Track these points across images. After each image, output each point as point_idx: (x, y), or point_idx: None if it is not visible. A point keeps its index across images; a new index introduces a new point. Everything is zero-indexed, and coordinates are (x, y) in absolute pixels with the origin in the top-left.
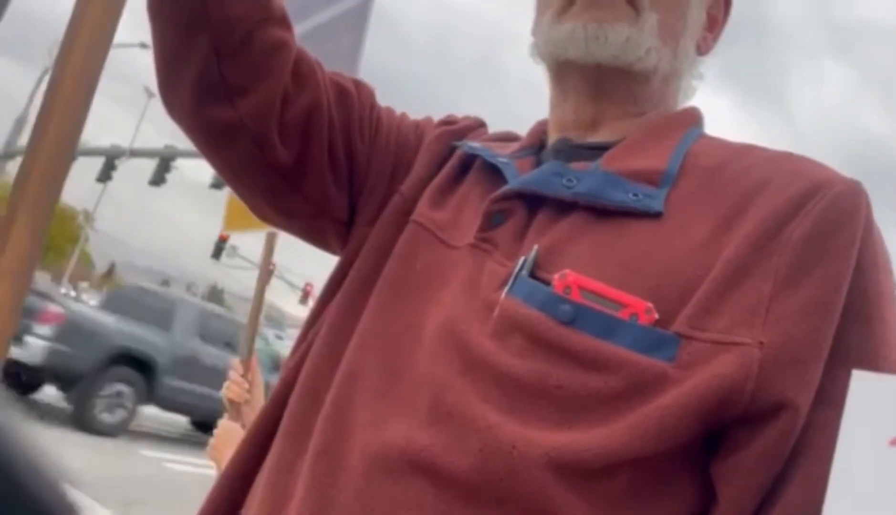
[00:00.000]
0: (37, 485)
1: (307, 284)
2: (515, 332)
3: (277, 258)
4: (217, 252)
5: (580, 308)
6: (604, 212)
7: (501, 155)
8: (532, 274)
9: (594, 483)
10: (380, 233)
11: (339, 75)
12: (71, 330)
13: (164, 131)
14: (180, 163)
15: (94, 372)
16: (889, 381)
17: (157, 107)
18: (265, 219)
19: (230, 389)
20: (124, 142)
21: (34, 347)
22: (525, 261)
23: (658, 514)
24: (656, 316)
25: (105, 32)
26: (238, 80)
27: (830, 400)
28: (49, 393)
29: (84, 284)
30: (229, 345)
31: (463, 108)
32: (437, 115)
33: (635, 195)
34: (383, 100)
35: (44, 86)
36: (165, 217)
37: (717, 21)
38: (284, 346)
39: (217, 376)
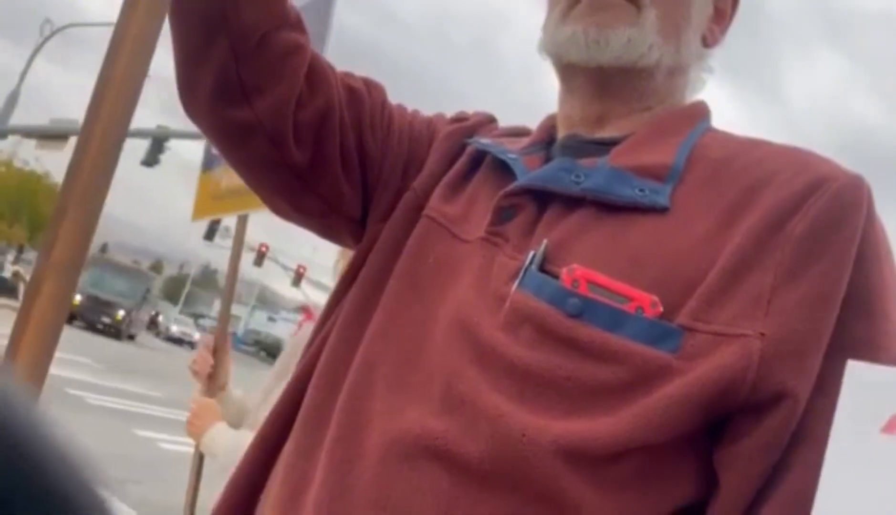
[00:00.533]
0: (70, 484)
1: (300, 266)
2: (525, 324)
3: (271, 241)
4: (210, 233)
5: (588, 301)
6: (611, 207)
7: (511, 151)
8: (541, 268)
9: (602, 469)
10: (392, 228)
11: (351, 76)
12: None
13: (157, 111)
14: (173, 143)
15: None
16: (882, 371)
17: (150, 87)
18: (282, 215)
19: (196, 362)
20: None
21: None
22: (535, 255)
23: (663, 498)
24: (661, 309)
25: (151, 35)
26: (255, 82)
27: (830, 389)
28: None
29: None
30: None
31: (458, 90)
32: (435, 100)
33: (642, 190)
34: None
35: (36, 65)
36: (159, 197)
37: (725, 13)
38: (276, 328)
39: None
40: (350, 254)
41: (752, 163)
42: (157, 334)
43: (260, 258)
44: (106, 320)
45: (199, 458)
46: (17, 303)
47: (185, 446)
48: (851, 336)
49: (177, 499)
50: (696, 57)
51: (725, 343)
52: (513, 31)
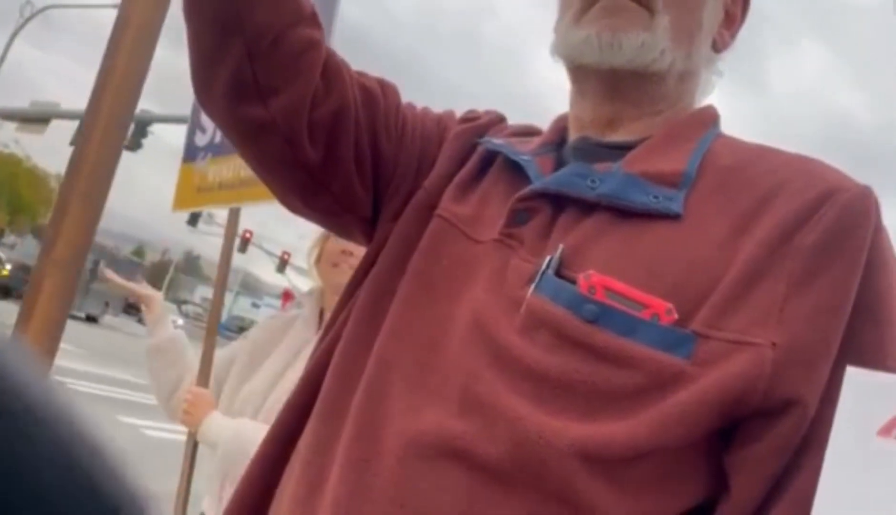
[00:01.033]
0: (109, 483)
1: (284, 253)
2: (542, 329)
3: (255, 227)
4: (193, 219)
5: (604, 307)
6: (625, 213)
7: (523, 152)
8: (557, 273)
9: (618, 471)
10: (404, 227)
11: (365, 76)
12: None
13: (140, 95)
14: (156, 127)
15: None
16: (879, 377)
17: None
18: (295, 211)
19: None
20: None
21: None
22: (551, 260)
23: (675, 499)
24: (676, 316)
25: (154, 24)
26: (270, 81)
27: (837, 397)
28: None
29: None
30: None
31: (445, 77)
32: (420, 86)
33: (655, 197)
34: (367, 71)
35: (15, 45)
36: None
37: (735, 18)
38: (261, 314)
39: None
40: (326, 244)
41: (763, 173)
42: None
43: (244, 244)
44: None
45: (193, 446)
46: None
47: (170, 433)
48: (860, 343)
49: (163, 486)
50: (707, 61)
51: (738, 351)
52: (496, 20)
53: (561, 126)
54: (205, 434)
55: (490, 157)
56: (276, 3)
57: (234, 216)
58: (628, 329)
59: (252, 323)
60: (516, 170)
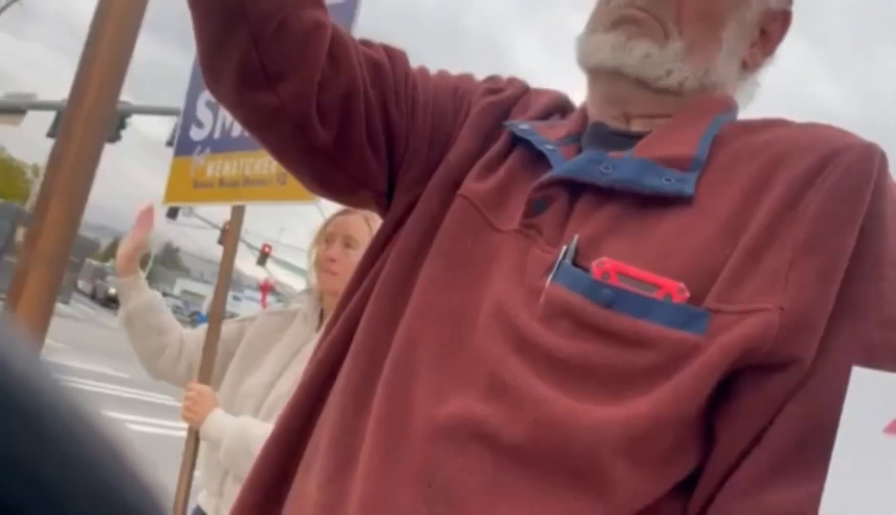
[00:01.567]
0: (124, 482)
1: (265, 245)
2: (562, 317)
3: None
4: (173, 212)
5: (618, 291)
6: (639, 199)
7: (549, 140)
8: (574, 262)
9: (637, 447)
10: (427, 202)
11: (372, 46)
12: None
13: (122, 87)
14: (135, 119)
15: None
16: (885, 377)
17: None
18: (312, 191)
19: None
20: None
21: None
22: (567, 250)
23: (677, 469)
24: (688, 294)
25: (135, 12)
26: (277, 67)
27: (829, 351)
28: None
29: None
30: None
31: (427, 64)
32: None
33: (668, 179)
34: None
35: None
36: (120, 174)
37: (773, 37)
38: (241, 306)
39: None
40: (318, 247)
41: (769, 142)
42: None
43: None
44: None
45: (195, 442)
46: None
47: (154, 427)
48: (856, 301)
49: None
50: (735, 78)
51: (748, 317)
52: (477, 9)
53: (584, 115)
54: (208, 430)
55: (514, 138)
56: None
57: (238, 214)
58: (643, 310)
59: (233, 315)
60: (540, 158)
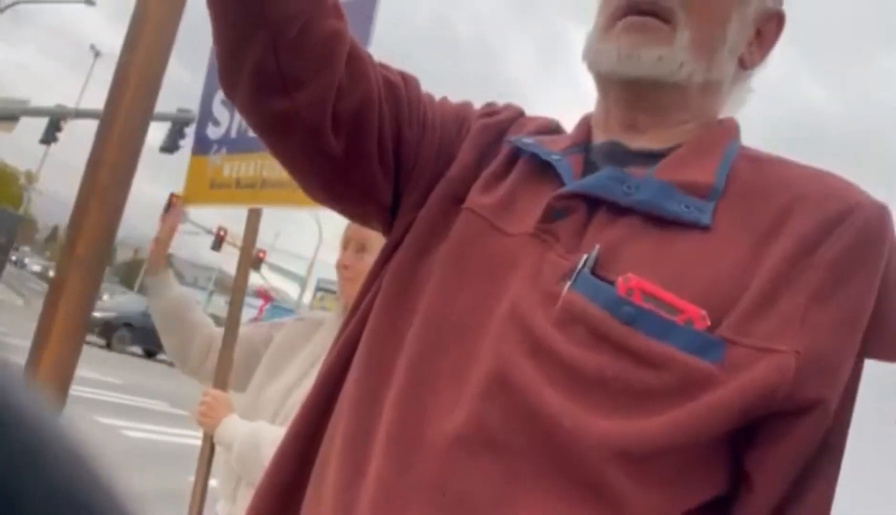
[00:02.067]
0: (88, 489)
1: (260, 251)
2: (578, 325)
3: (230, 225)
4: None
5: (641, 310)
6: (657, 219)
7: (553, 151)
8: (592, 272)
9: (644, 465)
10: (427, 217)
11: (387, 69)
12: None
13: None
14: None
15: None
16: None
17: (104, 66)
18: (318, 201)
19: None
20: (70, 103)
21: None
22: (587, 259)
23: (692, 495)
24: (709, 322)
25: (173, 17)
26: (295, 73)
27: (850, 401)
28: None
29: (26, 248)
30: None
31: (418, 67)
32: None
33: (687, 207)
34: None
35: None
36: None
37: (768, 36)
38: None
39: None
40: (340, 248)
41: (783, 185)
42: None
43: (219, 243)
44: None
45: (210, 448)
46: None
47: (151, 433)
48: (880, 346)
49: (150, 487)
50: (733, 76)
51: (764, 356)
52: (466, 9)
53: (587, 126)
54: (221, 435)
55: (515, 154)
56: None
57: (254, 216)
58: (663, 332)
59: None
60: (545, 168)
